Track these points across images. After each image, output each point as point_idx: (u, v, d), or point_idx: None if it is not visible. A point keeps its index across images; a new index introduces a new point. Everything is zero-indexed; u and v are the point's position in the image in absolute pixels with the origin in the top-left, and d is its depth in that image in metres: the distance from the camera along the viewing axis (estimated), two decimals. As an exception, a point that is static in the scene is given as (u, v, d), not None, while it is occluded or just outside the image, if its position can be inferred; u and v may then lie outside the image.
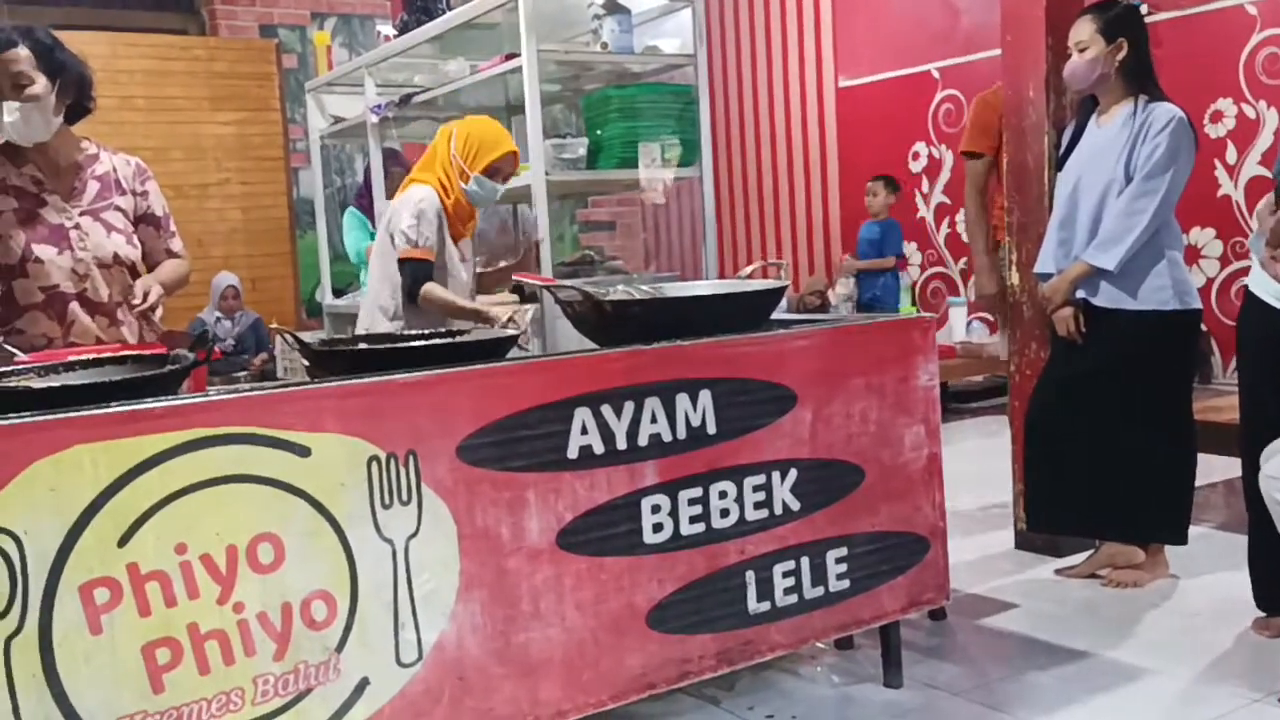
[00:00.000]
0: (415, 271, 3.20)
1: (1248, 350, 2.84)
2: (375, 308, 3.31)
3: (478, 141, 3.23)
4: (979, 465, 4.45)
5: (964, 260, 7.09)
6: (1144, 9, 5.44)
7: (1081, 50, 3.19)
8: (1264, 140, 5.20)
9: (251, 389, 1.94)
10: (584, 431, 2.17)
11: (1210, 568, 3.39)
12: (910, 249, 7.41)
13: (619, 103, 3.89)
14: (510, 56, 3.73)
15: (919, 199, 7.31)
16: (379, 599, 1.95)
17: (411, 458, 1.97)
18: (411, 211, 3.19)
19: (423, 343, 2.34)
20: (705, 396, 2.34)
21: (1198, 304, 3.21)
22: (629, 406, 2.23)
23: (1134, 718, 2.48)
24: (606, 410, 2.20)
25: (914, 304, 7.32)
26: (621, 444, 2.22)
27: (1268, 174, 5.16)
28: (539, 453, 2.12)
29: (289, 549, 1.86)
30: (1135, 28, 3.18)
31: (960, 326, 6.89)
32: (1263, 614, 2.87)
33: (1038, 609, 3.16)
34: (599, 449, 2.19)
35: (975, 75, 6.63)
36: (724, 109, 8.51)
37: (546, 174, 3.63)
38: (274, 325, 4.28)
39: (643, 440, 2.25)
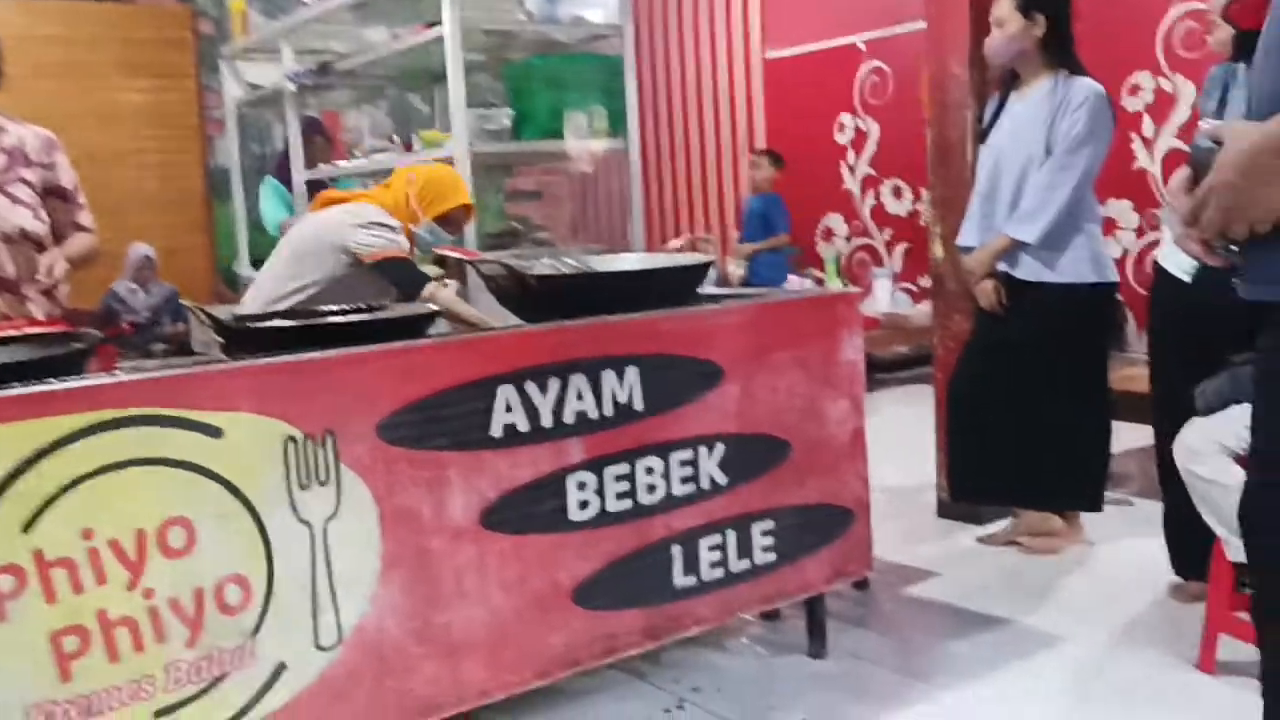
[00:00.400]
0: (407, 270, 3.03)
1: (1156, 324, 2.90)
2: (270, 302, 3.08)
3: (436, 189, 3.16)
4: (903, 435, 4.49)
5: (889, 231, 7.15)
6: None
7: (1001, 26, 3.22)
8: (1180, 114, 5.30)
9: (161, 369, 1.87)
10: (508, 409, 2.14)
11: (1125, 534, 3.47)
12: (836, 221, 7.45)
13: (544, 73, 3.84)
14: (431, 24, 3.65)
15: (845, 171, 7.34)
16: (297, 582, 1.91)
17: (329, 437, 1.93)
18: (375, 218, 3.05)
19: (341, 319, 2.28)
20: (632, 373, 2.32)
21: (1114, 276, 3.26)
22: (554, 384, 2.21)
23: (1050, 683, 2.53)
24: (531, 388, 2.17)
25: (839, 275, 7.38)
26: (547, 421, 2.20)
27: (1184, 147, 5.26)
28: (462, 431, 2.09)
29: (201, 533, 1.81)
30: (1054, 4, 3.20)
31: (885, 297, 6.95)
32: (1178, 579, 2.95)
33: (959, 577, 3.21)
34: (523, 427, 2.16)
35: (900, 47, 6.67)
36: (651, 80, 8.46)
37: (470, 145, 3.56)
38: (186, 301, 4.16)
39: (568, 417, 2.23)
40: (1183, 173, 1.47)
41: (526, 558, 2.19)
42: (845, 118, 7.28)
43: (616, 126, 3.95)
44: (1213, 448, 2.35)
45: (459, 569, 2.10)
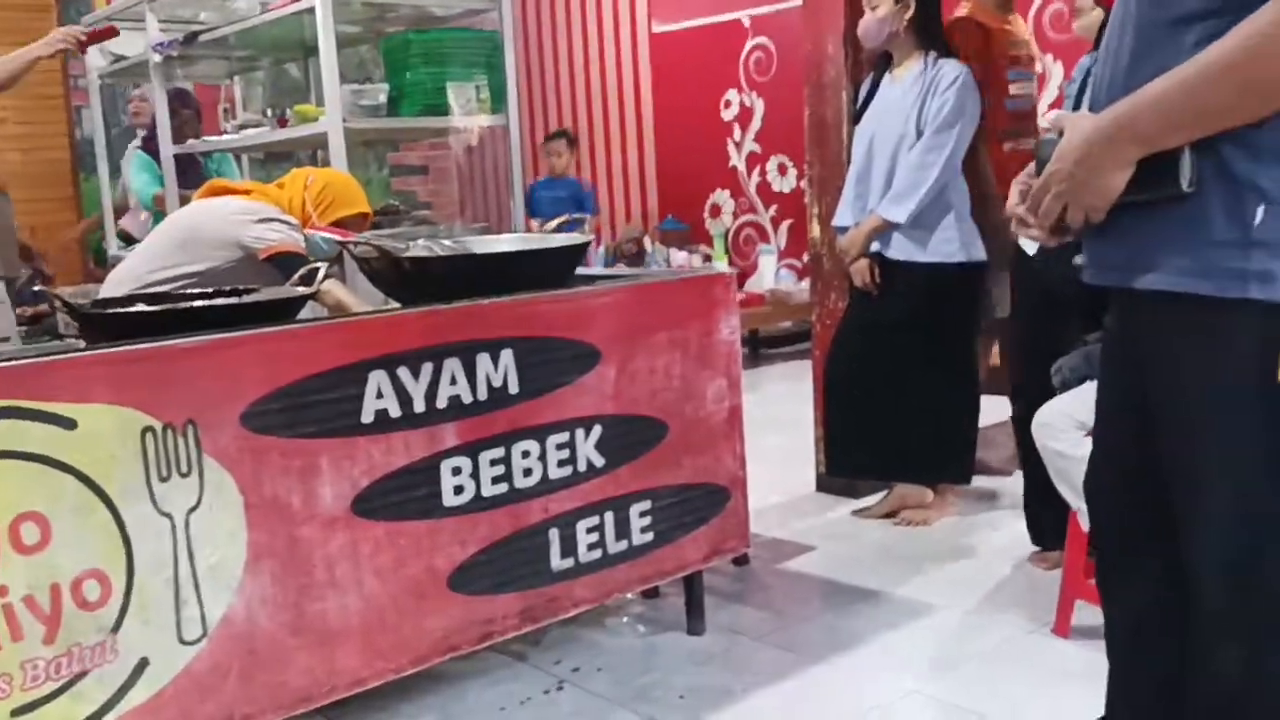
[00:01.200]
0: (301, 266, 2.92)
1: (1018, 303, 3.01)
2: (141, 287, 2.99)
3: (332, 194, 3.05)
4: (785, 410, 4.58)
5: (774, 208, 7.23)
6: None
7: (873, 8, 3.28)
8: (1049, 94, 5.47)
9: (11, 358, 1.80)
10: (379, 395, 2.11)
11: (992, 506, 3.60)
12: (723, 197, 7.51)
13: (420, 47, 3.77)
14: (298, -5, 3.55)
15: (730, 147, 7.39)
16: (159, 575, 1.87)
17: (191, 427, 1.88)
18: (272, 214, 2.92)
19: (204, 304, 2.22)
20: (507, 356, 2.31)
21: (983, 256, 3.36)
22: (427, 368, 2.18)
23: (920, 650, 2.61)
24: (403, 372, 2.15)
25: (726, 252, 7.45)
26: (420, 406, 2.18)
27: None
28: (331, 418, 2.06)
29: (56, 528, 1.75)
30: (923, -12, 3.27)
31: (770, 274, 7.05)
32: (1038, 549, 3.07)
33: (835, 551, 3.29)
34: (395, 412, 2.14)
35: (785, 24, 6.72)
36: (537, 55, 8.38)
37: (345, 120, 3.48)
38: (37, 287, 3.99)
39: (442, 402, 2.21)
40: (1030, 168, 1.52)
41: (400, 544, 2.17)
42: (731, 94, 7.33)
43: (497, 103, 3.90)
44: (1067, 423, 2.45)
45: (331, 557, 2.07)
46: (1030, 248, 2.81)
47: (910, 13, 3.25)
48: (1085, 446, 2.38)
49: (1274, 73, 1.20)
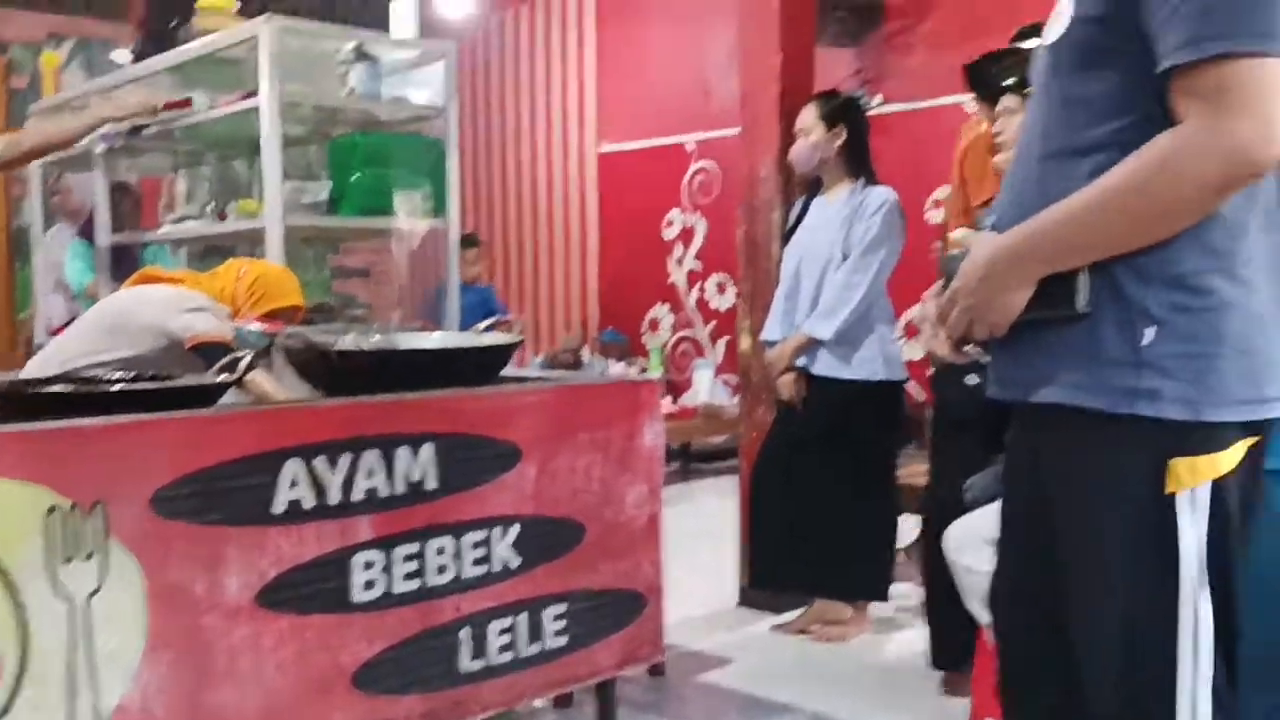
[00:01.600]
0: (222, 356, 2.92)
1: (935, 419, 3.09)
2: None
3: (265, 286, 3.08)
4: (713, 523, 4.59)
5: (712, 324, 7.36)
6: (876, 100, 5.88)
7: (806, 134, 3.42)
8: (976, 228, 5.68)
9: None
10: (293, 485, 2.10)
11: (908, 622, 3.62)
12: (662, 311, 7.63)
13: (366, 150, 3.85)
14: (250, 94, 3.62)
15: (671, 264, 7.54)
16: (54, 660, 1.82)
17: (98, 508, 1.85)
18: (202, 303, 2.92)
19: (123, 386, 2.21)
20: (427, 451, 2.31)
21: (904, 375, 3.45)
22: (345, 459, 2.18)
23: (830, 768, 2.60)
24: (320, 463, 2.14)
25: (663, 365, 7.53)
26: (335, 498, 2.16)
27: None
28: (242, 506, 2.04)
29: (-53, 606, 1.71)
30: (854, 117, 3.43)
31: (705, 388, 7.13)
32: (944, 670, 3.08)
33: (752, 664, 3.28)
34: (309, 503, 2.12)
35: (727, 149, 6.93)
36: (485, 163, 8.54)
37: (285, 217, 3.53)
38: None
39: (358, 495, 2.20)
40: (937, 285, 1.58)
41: (305, 638, 2.13)
42: (674, 213, 7.51)
43: (440, 207, 3.98)
44: (976, 539, 2.50)
45: (233, 649, 2.03)
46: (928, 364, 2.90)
47: (841, 140, 3.40)
48: (992, 562, 2.43)
49: (1159, 204, 1.28)
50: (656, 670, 3.08)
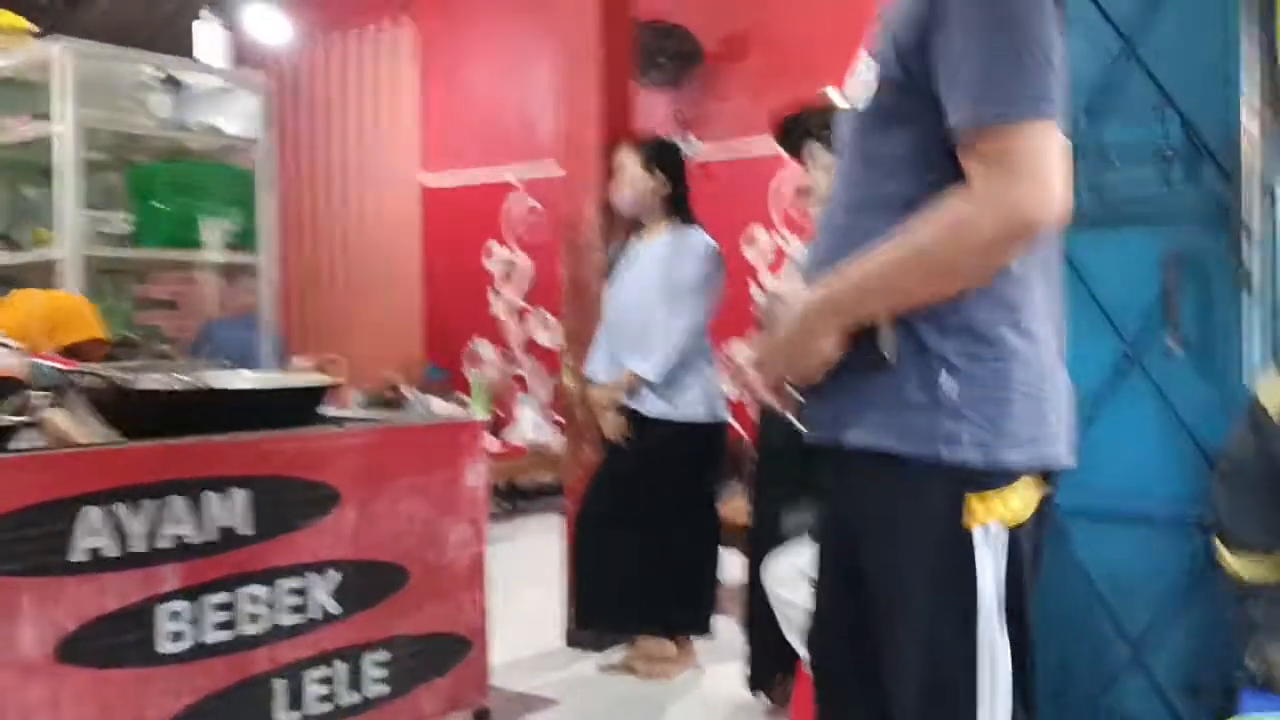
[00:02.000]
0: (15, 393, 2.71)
1: (758, 456, 3.16)
2: None
3: (60, 317, 2.90)
4: (540, 563, 4.54)
5: (537, 361, 7.33)
6: (698, 146, 6.03)
7: (630, 182, 3.47)
8: (789, 265, 5.88)
9: None
10: (93, 532, 1.99)
11: (732, 657, 3.66)
12: (484, 346, 7.57)
13: (169, 178, 3.69)
14: (40, 117, 3.43)
15: (492, 297, 7.50)
16: None
17: None
18: None
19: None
20: (239, 495, 2.22)
21: (726, 415, 3.52)
22: (149, 505, 2.07)
23: (656, 806, 2.60)
24: (122, 509, 2.03)
25: (486, 401, 7.45)
26: (138, 546, 2.05)
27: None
28: (37, 554, 1.91)
29: None
30: (672, 160, 3.50)
31: (529, 425, 7.08)
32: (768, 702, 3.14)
33: (577, 705, 3.26)
34: (111, 551, 2.01)
35: (551, 187, 6.96)
36: (308, 194, 8.29)
37: (82, 248, 3.34)
38: None
39: (163, 542, 2.09)
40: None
41: (108, 694, 2.01)
42: (495, 247, 7.48)
43: (252, 241, 3.85)
44: (794, 574, 2.56)
45: (28, 706, 1.90)
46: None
47: (661, 185, 3.46)
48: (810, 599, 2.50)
49: (946, 262, 1.35)
50: (482, 715, 3.01)
